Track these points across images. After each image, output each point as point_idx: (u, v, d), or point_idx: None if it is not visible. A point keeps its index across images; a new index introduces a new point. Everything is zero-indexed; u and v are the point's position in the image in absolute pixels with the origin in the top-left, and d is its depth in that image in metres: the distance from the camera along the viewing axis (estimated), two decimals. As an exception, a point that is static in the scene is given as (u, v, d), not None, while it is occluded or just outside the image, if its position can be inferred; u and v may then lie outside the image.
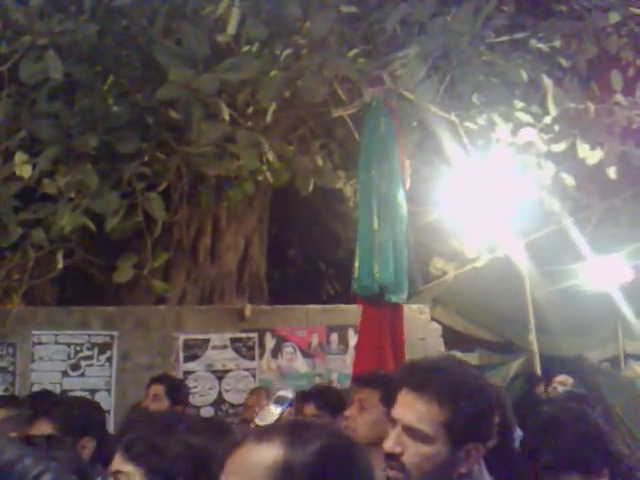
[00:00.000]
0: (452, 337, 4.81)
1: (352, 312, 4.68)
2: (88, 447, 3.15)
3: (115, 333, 4.99)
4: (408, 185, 3.27)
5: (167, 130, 3.70)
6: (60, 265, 4.38)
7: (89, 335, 4.99)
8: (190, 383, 5.00)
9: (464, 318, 4.72)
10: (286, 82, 3.04)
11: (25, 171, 3.57)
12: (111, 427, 4.59)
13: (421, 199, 3.78)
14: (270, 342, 5.19)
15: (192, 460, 1.47)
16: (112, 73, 3.37)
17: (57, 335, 4.95)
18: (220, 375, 5.19)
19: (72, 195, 3.81)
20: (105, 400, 4.89)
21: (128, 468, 1.46)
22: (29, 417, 3.41)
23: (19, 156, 3.55)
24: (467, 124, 3.27)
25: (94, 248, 4.51)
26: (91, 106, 3.34)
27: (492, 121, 3.32)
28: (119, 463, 1.48)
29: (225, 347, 5.17)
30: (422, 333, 4.88)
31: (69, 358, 5.00)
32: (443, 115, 3.13)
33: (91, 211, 3.94)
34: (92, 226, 4.02)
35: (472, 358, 5.60)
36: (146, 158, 3.90)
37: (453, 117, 3.20)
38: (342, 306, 5.15)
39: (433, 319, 4.78)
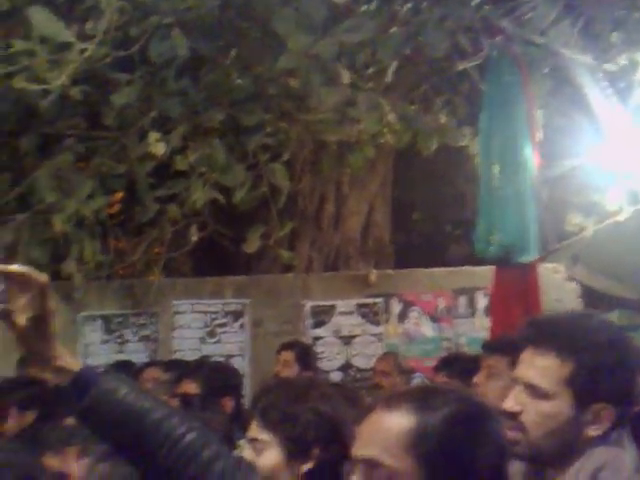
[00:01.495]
0: (592, 297, 4.55)
1: (480, 274, 4.56)
2: (228, 406, 3.34)
3: (247, 301, 5.19)
4: (540, 137, 3.11)
5: (288, 99, 3.74)
6: (194, 238, 4.60)
7: (223, 304, 5.23)
8: (318, 349, 5.12)
9: (605, 276, 4.45)
10: (406, 38, 2.97)
11: (158, 149, 3.76)
12: (247, 391, 4.81)
13: (556, 151, 3.57)
14: (396, 307, 5.19)
15: (325, 428, 1.49)
16: (234, 46, 3.45)
17: (194, 304, 5.23)
18: (347, 341, 5.26)
19: (202, 170, 3.97)
20: (240, 365, 5.11)
21: (264, 436, 1.50)
22: (175, 379, 3.66)
23: (152, 135, 3.73)
24: (606, 66, 3.03)
25: (224, 220, 4.69)
26: (216, 81, 3.44)
27: (634, 61, 3.06)
28: (256, 431, 1.52)
29: (351, 313, 5.23)
30: (558, 294, 4.67)
31: (206, 326, 5.28)
32: (579, 59, 2.93)
33: (220, 184, 4.10)
34: (221, 199, 4.17)
35: (611, 318, 5.30)
36: (269, 129, 3.98)
37: (590, 60, 2.98)
38: (469, 268, 5.04)
39: (571, 279, 4.56)
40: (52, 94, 3.25)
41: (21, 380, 3.22)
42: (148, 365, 4.19)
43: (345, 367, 5.25)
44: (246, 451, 1.50)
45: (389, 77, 3.21)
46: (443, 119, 3.52)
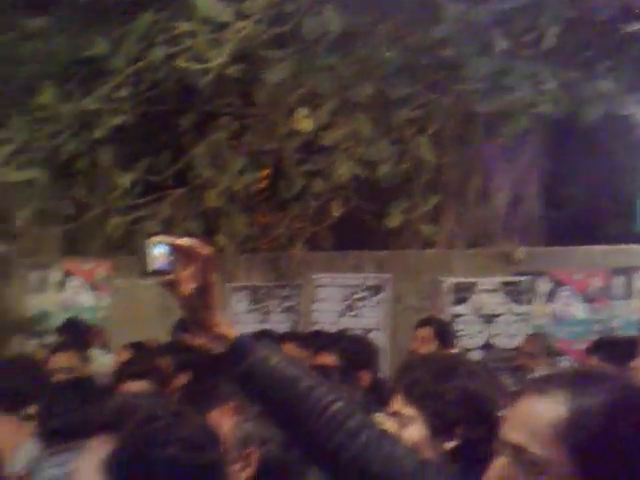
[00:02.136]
0: None
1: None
2: (365, 380, 3.37)
3: (387, 276, 5.20)
4: None
5: (439, 70, 3.66)
6: (337, 213, 4.66)
7: (363, 278, 5.28)
8: (457, 326, 5.03)
9: None
10: (570, 0, 2.79)
11: (306, 125, 3.83)
12: (386, 366, 4.83)
13: None
14: (544, 286, 4.97)
15: (471, 406, 1.46)
16: (385, 19, 3.42)
17: (335, 278, 5.32)
18: (488, 319, 5.12)
19: (348, 145, 4.00)
20: (378, 339, 5.14)
21: (409, 411, 1.48)
22: (314, 351, 3.75)
23: (300, 111, 3.81)
24: None
25: (367, 195, 4.71)
26: (366, 55, 3.44)
27: None
28: (400, 405, 1.51)
29: (495, 291, 5.07)
30: None
31: (345, 299, 5.36)
32: None
33: (364, 159, 4.11)
34: (365, 174, 4.19)
35: None
36: (417, 102, 3.92)
37: None
38: (628, 246, 4.71)
39: None
40: (211, 73, 3.40)
41: (177, 345, 3.46)
42: (287, 337, 4.32)
43: (485, 346, 5.13)
44: (388, 424, 1.50)
45: (549, 43, 3.04)
46: (607, 86, 3.27)
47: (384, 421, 1.52)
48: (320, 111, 3.83)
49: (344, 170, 4.11)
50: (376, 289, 5.27)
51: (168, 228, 4.48)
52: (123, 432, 1.07)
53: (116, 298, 5.33)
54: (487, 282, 5.05)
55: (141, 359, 3.22)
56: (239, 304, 5.58)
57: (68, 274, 5.51)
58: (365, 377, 3.34)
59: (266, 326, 5.21)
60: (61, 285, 5.50)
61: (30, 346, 5.09)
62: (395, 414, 1.51)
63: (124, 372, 2.81)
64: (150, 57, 3.73)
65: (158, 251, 1.19)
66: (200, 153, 4.05)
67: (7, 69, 4.20)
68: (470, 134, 4.36)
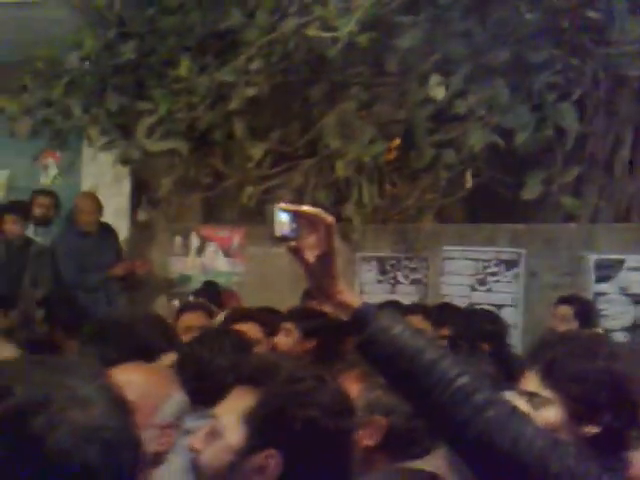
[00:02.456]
0: None
1: None
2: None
3: (522, 251, 4.95)
4: None
5: (583, 32, 3.36)
6: (469, 184, 4.48)
7: (496, 252, 5.06)
8: (600, 305, 4.71)
9: None
10: None
11: (438, 93, 3.69)
12: (518, 343, 4.64)
13: None
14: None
15: (617, 390, 1.35)
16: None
17: (465, 251, 5.16)
18: (637, 299, 4.75)
19: (482, 113, 3.81)
20: (511, 316, 4.94)
21: (546, 393, 1.39)
22: (439, 324, 3.69)
23: (433, 78, 3.67)
24: None
25: (502, 165, 4.48)
26: (503, 18, 3.23)
27: None
28: (536, 386, 1.41)
29: (643, 269, 4.68)
30: None
31: (476, 273, 5.18)
32: None
33: (500, 127, 3.90)
34: (501, 143, 3.97)
35: None
36: (558, 66, 3.63)
37: None
38: None
39: None
40: (340, 42, 3.36)
41: (305, 311, 3.53)
42: (413, 308, 4.26)
43: (633, 328, 4.76)
44: (519, 403, 1.41)
45: None
46: None
47: (515, 400, 1.44)
48: (454, 78, 3.67)
49: (478, 139, 3.93)
50: (510, 264, 5.04)
51: (298, 197, 4.55)
52: (266, 388, 1.12)
53: (249, 265, 5.53)
54: (635, 259, 4.67)
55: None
56: (367, 274, 5.59)
57: (206, 240, 5.79)
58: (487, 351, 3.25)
59: (394, 297, 5.19)
60: (200, 250, 5.79)
61: (172, 306, 5.44)
62: (528, 393, 1.43)
63: (235, 315, 2.93)
64: (282, 28, 3.76)
65: (283, 218, 1.20)
66: (330, 123, 4.04)
67: (149, 43, 4.42)
68: (618, 100, 3.98)
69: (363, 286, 5.58)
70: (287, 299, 4.38)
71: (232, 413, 1.15)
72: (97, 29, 4.57)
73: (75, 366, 0.89)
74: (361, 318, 1.24)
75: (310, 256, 1.21)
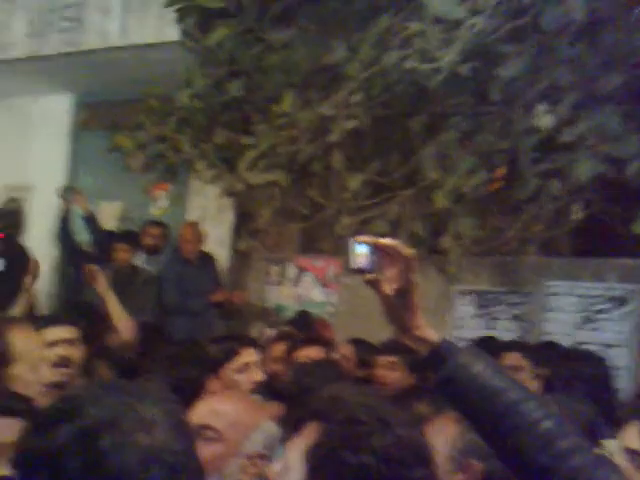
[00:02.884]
0: None
1: None
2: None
3: (633, 287, 4.69)
4: None
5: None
6: (577, 216, 4.30)
7: (605, 288, 4.82)
8: None
9: None
10: None
11: (545, 121, 3.59)
12: (627, 387, 4.37)
13: None
14: None
15: None
16: (635, 1, 3.07)
17: (572, 287, 4.93)
18: None
19: (591, 142, 3.67)
20: (620, 357, 4.67)
21: None
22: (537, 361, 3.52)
23: (539, 107, 3.58)
24: None
25: (612, 197, 4.28)
26: (614, 43, 3.12)
27: None
28: (637, 442, 1.33)
29: None
30: None
31: (583, 310, 4.94)
32: None
33: (610, 157, 3.73)
34: (611, 172, 3.80)
35: None
36: (674, 92, 3.45)
37: None
38: None
39: None
40: (441, 73, 3.36)
41: (397, 344, 3.49)
42: (512, 345, 4.10)
43: None
44: (617, 457, 1.29)
45: None
46: None
47: (615, 451, 1.34)
48: (561, 105, 3.57)
49: (586, 169, 3.78)
50: (620, 301, 4.78)
51: (395, 229, 4.53)
52: (327, 426, 1.06)
53: (343, 295, 5.55)
54: None
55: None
56: (464, 308, 5.46)
57: (302, 270, 5.87)
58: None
59: (492, 333, 5.02)
60: (296, 280, 5.88)
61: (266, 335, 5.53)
62: (632, 452, 1.34)
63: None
64: (383, 62, 3.81)
65: (361, 250, 1.20)
66: (429, 154, 4.02)
67: (254, 80, 4.60)
68: None
69: (459, 321, 5.45)
70: (380, 331, 4.35)
71: (298, 449, 1.11)
72: (207, 68, 4.82)
73: (144, 390, 0.93)
74: (440, 354, 1.21)
75: (389, 289, 1.21)
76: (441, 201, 4.21)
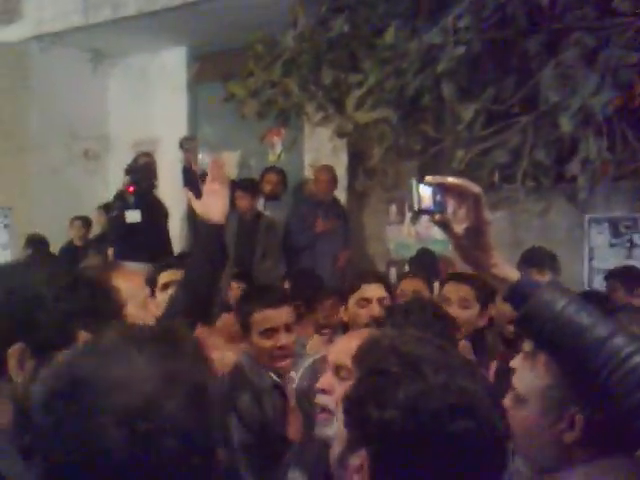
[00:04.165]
0: None
1: None
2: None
3: None
4: None
5: None
6: None
7: None
8: None
9: None
10: None
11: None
12: None
13: None
14: None
15: None
16: None
17: None
18: None
19: None
20: None
21: None
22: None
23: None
24: None
25: None
26: None
27: None
28: None
29: None
30: None
31: None
32: None
33: None
34: None
35: None
36: None
37: None
38: None
39: None
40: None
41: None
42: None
43: None
44: None
45: None
46: None
47: None
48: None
49: None
50: None
51: (516, 157, 4.29)
52: (357, 376, 0.99)
53: (466, 231, 5.39)
54: None
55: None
56: (599, 237, 5.15)
57: (421, 207, 5.75)
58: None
59: (630, 262, 4.71)
60: (415, 218, 5.78)
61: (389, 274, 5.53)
62: None
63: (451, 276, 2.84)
64: (493, -22, 3.53)
65: (424, 191, 1.16)
66: (549, 75, 3.72)
67: (360, 14, 4.45)
68: None
69: (593, 251, 5.15)
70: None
71: (339, 399, 1.04)
72: (310, 7, 4.72)
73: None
74: (520, 292, 1.17)
75: (458, 229, 1.18)
76: (566, 124, 3.92)
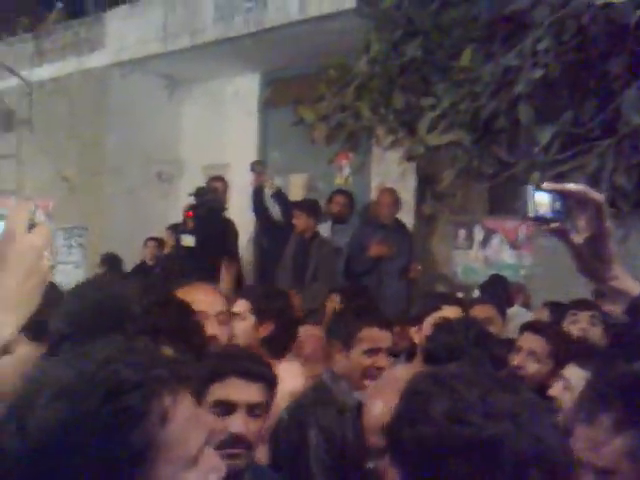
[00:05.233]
0: None
1: None
2: None
3: None
4: None
5: None
6: None
7: None
8: None
9: None
10: None
11: None
12: None
13: None
14: None
15: None
16: None
17: None
18: None
19: None
20: None
21: None
22: None
23: None
24: None
25: None
26: None
27: None
28: None
29: None
30: None
31: None
32: None
33: None
34: None
35: None
36: None
37: None
38: None
39: None
40: (644, 5, 2.98)
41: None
42: None
43: None
44: None
45: None
46: None
47: None
48: None
49: None
50: None
51: (594, 182, 4.17)
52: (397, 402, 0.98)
53: (538, 257, 5.26)
54: None
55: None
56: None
57: (491, 232, 5.66)
58: None
59: None
60: (484, 242, 5.69)
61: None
62: None
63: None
64: (573, 2, 3.48)
65: (541, 197, 1.12)
66: (631, 97, 3.62)
67: (432, 39, 4.47)
68: None
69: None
70: (579, 294, 4.06)
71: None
72: (384, 32, 4.77)
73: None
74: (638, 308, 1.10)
75: (578, 238, 1.13)
76: (647, 150, 3.80)
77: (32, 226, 0.92)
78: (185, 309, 1.32)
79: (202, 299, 1.97)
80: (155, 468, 0.76)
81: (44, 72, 8.50)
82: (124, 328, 1.16)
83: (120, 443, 0.72)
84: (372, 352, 2.29)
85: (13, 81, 8.69)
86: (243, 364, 1.61)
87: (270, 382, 1.65)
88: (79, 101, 7.86)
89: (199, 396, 1.60)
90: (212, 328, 1.93)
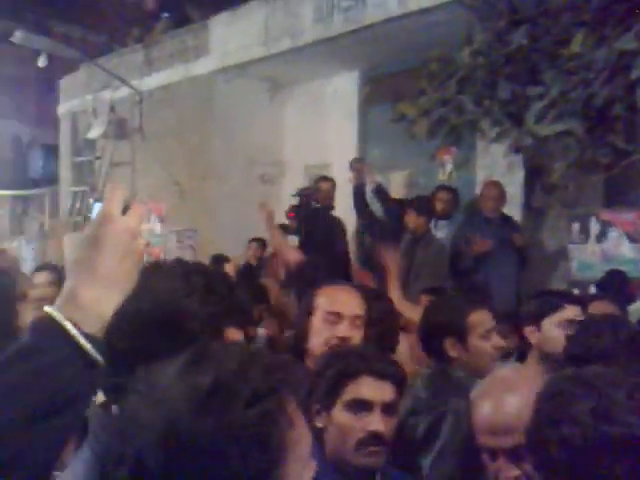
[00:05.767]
0: None
1: None
2: None
3: None
4: None
5: None
6: None
7: None
8: None
9: None
10: None
11: None
12: None
13: None
14: None
15: None
16: None
17: None
18: None
19: None
20: None
21: None
22: None
23: None
24: None
25: None
26: None
27: None
28: None
29: None
30: None
31: None
32: None
33: None
34: None
35: None
36: None
37: None
38: None
39: None
40: None
41: None
42: None
43: None
44: None
45: None
46: None
47: None
48: None
49: None
50: None
51: None
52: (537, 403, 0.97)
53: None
54: None
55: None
56: None
57: (607, 225, 5.37)
58: None
59: None
60: (601, 236, 5.40)
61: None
62: None
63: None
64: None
65: None
66: None
67: (541, 25, 4.29)
68: None
69: None
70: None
71: None
72: (487, 22, 4.63)
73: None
74: None
75: None
76: None
77: (126, 208, 0.95)
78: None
79: (341, 300, 2.02)
80: (286, 469, 0.77)
81: (153, 81, 8.92)
82: (184, 329, 1.11)
83: (260, 449, 0.73)
84: (489, 334, 2.21)
85: (125, 91, 9.18)
86: (377, 364, 1.64)
87: (400, 382, 1.67)
88: (186, 108, 8.19)
89: (330, 395, 1.64)
90: (344, 330, 1.95)
